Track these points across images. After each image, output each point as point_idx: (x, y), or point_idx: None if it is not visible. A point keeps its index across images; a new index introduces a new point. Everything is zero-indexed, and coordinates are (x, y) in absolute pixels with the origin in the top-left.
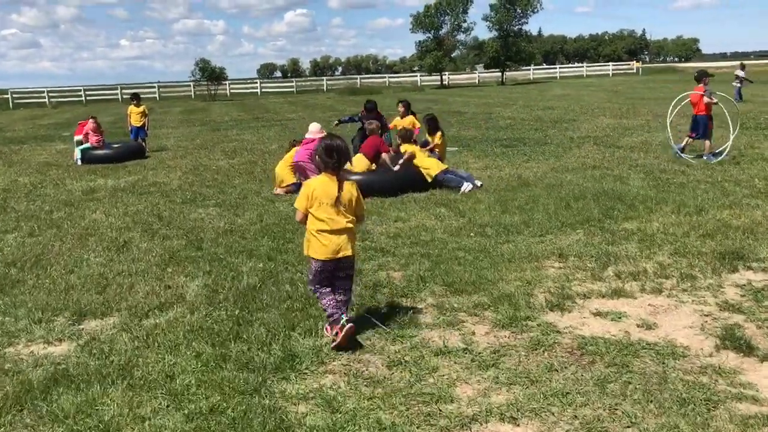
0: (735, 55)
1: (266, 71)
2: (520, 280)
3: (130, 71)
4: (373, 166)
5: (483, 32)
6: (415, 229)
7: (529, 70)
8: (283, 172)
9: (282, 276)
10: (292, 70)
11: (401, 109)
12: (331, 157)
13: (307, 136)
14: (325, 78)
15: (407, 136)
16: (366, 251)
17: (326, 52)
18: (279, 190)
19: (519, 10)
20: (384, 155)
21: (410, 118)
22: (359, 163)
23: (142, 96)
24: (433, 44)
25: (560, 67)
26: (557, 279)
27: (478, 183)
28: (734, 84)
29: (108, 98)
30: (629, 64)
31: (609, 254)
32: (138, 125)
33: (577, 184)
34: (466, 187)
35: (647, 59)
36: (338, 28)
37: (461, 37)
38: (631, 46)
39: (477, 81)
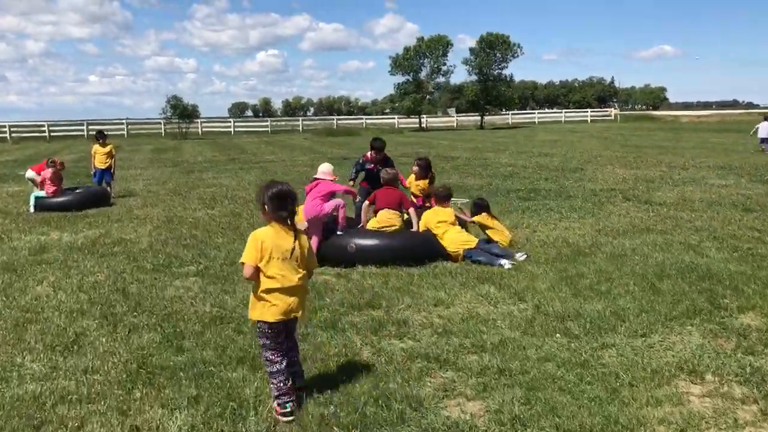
0: (700, 105)
1: (237, 110)
2: (667, 424)
3: (99, 107)
4: (397, 223)
5: (462, 76)
6: (468, 321)
7: (508, 114)
8: None
9: (310, 407)
10: (264, 110)
11: (416, 169)
12: (285, 206)
13: (318, 176)
14: (300, 118)
15: (445, 195)
16: (413, 359)
17: (298, 92)
18: None
19: (499, 55)
20: (411, 211)
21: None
22: (385, 217)
23: (109, 133)
24: (412, 86)
25: (539, 113)
26: (716, 421)
27: (521, 256)
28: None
29: (73, 134)
30: (607, 111)
31: (758, 371)
32: (103, 167)
33: (645, 255)
34: (506, 263)
35: (616, 107)
36: (310, 69)
37: (440, 80)
38: (600, 93)
39: (455, 124)
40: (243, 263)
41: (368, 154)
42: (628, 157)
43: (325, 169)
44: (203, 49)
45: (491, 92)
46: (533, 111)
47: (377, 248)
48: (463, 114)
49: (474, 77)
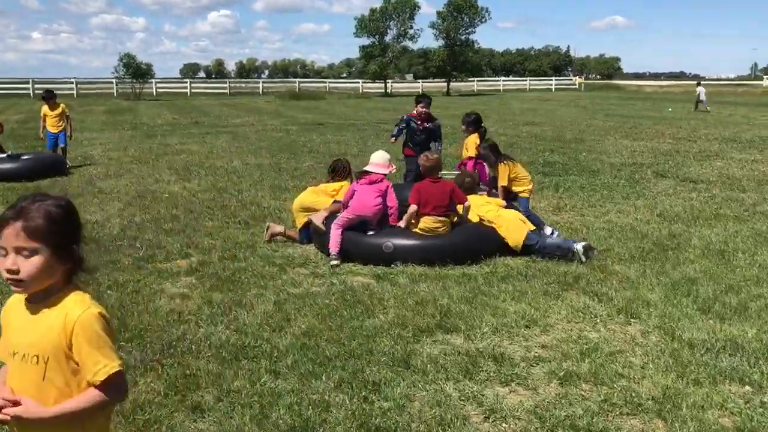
0: (650, 75)
1: (190, 71)
2: None
3: (43, 65)
4: (446, 230)
5: (428, 41)
6: (589, 356)
7: (473, 81)
8: (304, 204)
9: None
10: (217, 71)
11: (464, 128)
12: None
13: (369, 168)
14: (261, 80)
15: (470, 187)
16: (551, 427)
17: (251, 54)
18: (290, 232)
19: (467, 19)
20: (467, 206)
21: (474, 139)
22: (430, 226)
23: (57, 92)
24: (377, 50)
25: (503, 80)
26: None
27: (583, 246)
28: None
29: (18, 92)
30: (572, 79)
31: None
32: (56, 131)
33: (749, 251)
34: (583, 252)
35: (581, 75)
36: (263, 31)
37: (407, 44)
38: (556, 63)
39: (421, 90)
40: None
41: (414, 111)
42: (623, 128)
43: (380, 160)
44: (153, 7)
45: (458, 58)
46: (498, 78)
47: (420, 249)
48: (428, 80)
49: (441, 42)
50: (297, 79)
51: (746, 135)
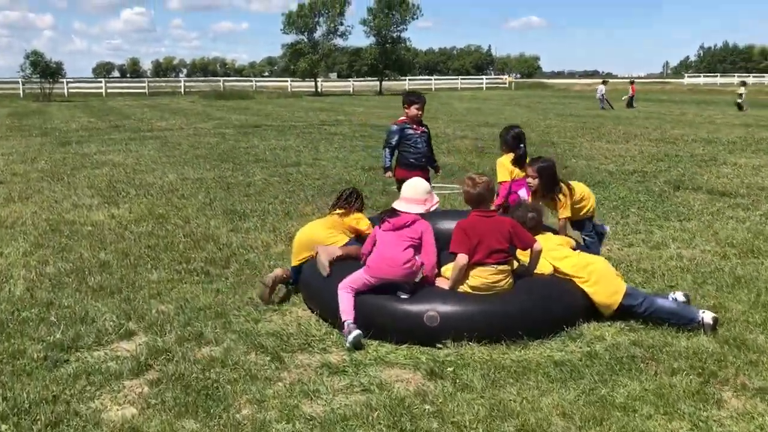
0: (567, 74)
1: (104, 71)
2: None
3: None
4: (509, 284)
5: (359, 39)
6: None
7: (405, 80)
8: (315, 239)
9: None
10: (132, 71)
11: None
12: None
13: (398, 205)
14: (182, 79)
15: (535, 225)
16: None
17: (167, 53)
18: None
19: (398, 16)
20: (536, 249)
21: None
22: (486, 281)
23: None
24: (307, 47)
25: (435, 78)
26: None
27: (708, 318)
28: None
29: None
30: (502, 78)
31: None
32: None
33: None
34: (712, 325)
35: (492, 74)
36: (179, 29)
37: (338, 41)
38: (478, 62)
39: (352, 89)
40: None
41: (404, 116)
42: (586, 128)
43: (417, 194)
44: (61, 4)
45: (390, 56)
46: (429, 77)
47: (479, 317)
48: (360, 78)
49: (372, 39)
50: (221, 78)
51: (720, 135)
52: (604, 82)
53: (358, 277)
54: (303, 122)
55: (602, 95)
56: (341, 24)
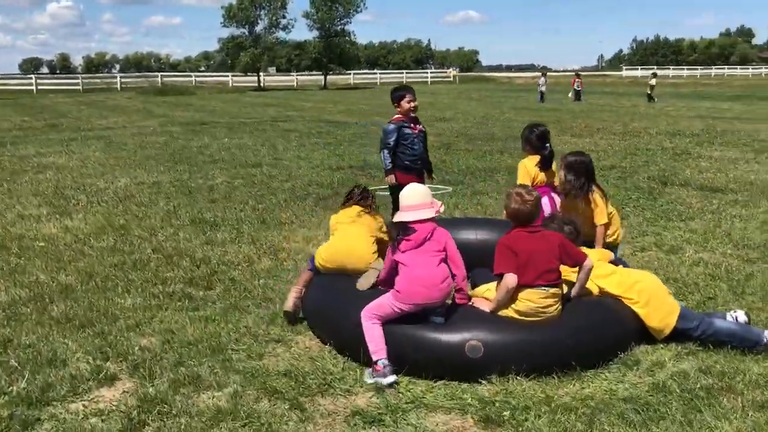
0: (506, 68)
1: (31, 66)
2: None
3: None
4: (558, 309)
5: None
6: None
7: (350, 74)
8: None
9: None
10: (62, 66)
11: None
12: None
13: (405, 216)
14: (118, 75)
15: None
16: None
17: (97, 48)
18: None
19: (341, 9)
20: (585, 267)
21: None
22: (536, 305)
23: None
24: (249, 41)
25: (380, 73)
26: None
27: (743, 317)
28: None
29: None
30: (446, 72)
31: None
32: None
33: None
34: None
35: (432, 68)
36: (109, 24)
37: (280, 34)
38: (418, 56)
39: (295, 84)
40: None
41: (399, 110)
42: (545, 122)
43: (416, 199)
44: None
45: (335, 50)
46: (374, 71)
47: (528, 347)
48: (304, 72)
49: (315, 33)
50: (159, 73)
51: (681, 128)
52: (543, 75)
53: (384, 304)
54: (253, 119)
55: (544, 88)
56: (283, 17)
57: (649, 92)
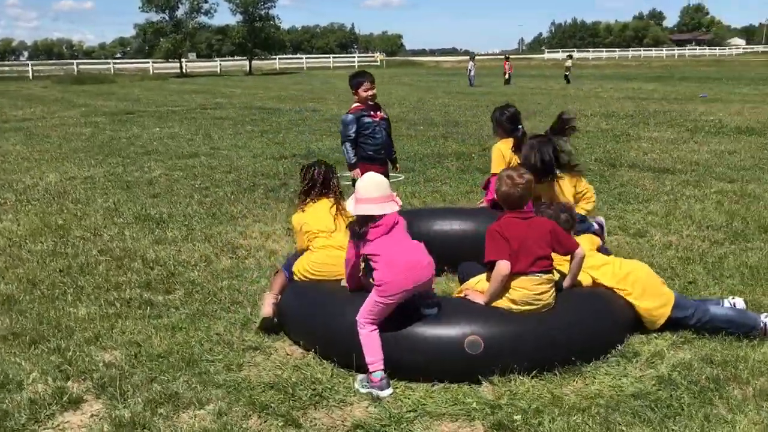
0: (430, 52)
1: None
2: None
3: None
4: (552, 298)
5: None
6: None
7: (275, 59)
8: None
9: None
10: None
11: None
12: None
13: (366, 209)
14: (30, 62)
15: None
16: None
17: (3, 34)
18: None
19: None
20: (577, 254)
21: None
22: (529, 293)
23: None
24: (169, 26)
25: (306, 57)
26: None
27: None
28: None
29: None
30: (373, 56)
31: None
32: None
33: None
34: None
35: (357, 52)
36: (15, 8)
37: (202, 19)
38: (342, 40)
39: (219, 70)
40: None
41: (357, 99)
42: (481, 106)
43: (376, 190)
44: None
45: (259, 34)
46: (300, 56)
47: (526, 339)
48: (228, 58)
49: (239, 17)
50: (74, 61)
51: (613, 109)
52: (472, 59)
53: (373, 302)
54: (181, 107)
55: (473, 72)
56: (205, 1)
57: (566, 74)
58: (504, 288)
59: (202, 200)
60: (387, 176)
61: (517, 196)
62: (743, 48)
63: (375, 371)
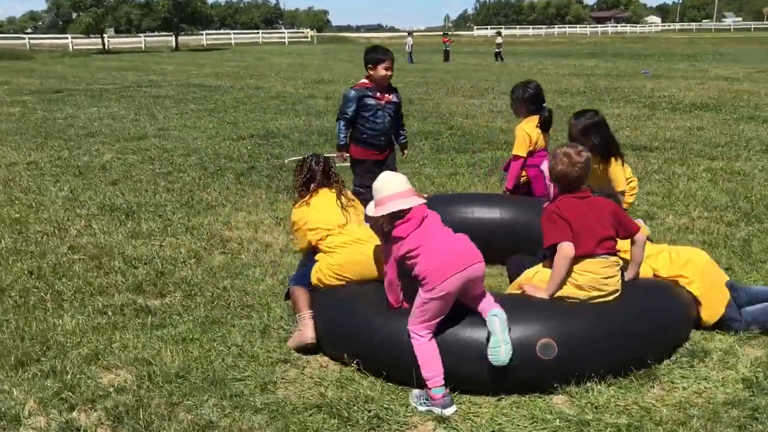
0: (357, 28)
1: None
2: None
3: None
4: (618, 284)
5: None
6: None
7: (202, 35)
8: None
9: None
10: None
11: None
12: None
13: (395, 205)
14: None
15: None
16: None
17: None
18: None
19: None
20: (639, 239)
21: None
22: (596, 278)
23: None
24: (88, 0)
25: (234, 33)
26: None
27: None
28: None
29: None
30: (303, 32)
31: None
32: None
33: None
34: None
35: (282, 28)
36: None
37: None
38: (266, 15)
39: (144, 46)
40: None
41: (367, 77)
42: (430, 83)
43: (400, 186)
44: None
45: (185, 9)
46: (228, 31)
47: (600, 338)
48: (153, 33)
49: None
50: None
51: (564, 86)
52: (410, 34)
53: (428, 308)
54: (113, 84)
55: (410, 48)
56: None
57: (497, 50)
58: (567, 274)
59: (170, 187)
60: (390, 164)
61: (575, 176)
62: (660, 26)
63: (435, 387)
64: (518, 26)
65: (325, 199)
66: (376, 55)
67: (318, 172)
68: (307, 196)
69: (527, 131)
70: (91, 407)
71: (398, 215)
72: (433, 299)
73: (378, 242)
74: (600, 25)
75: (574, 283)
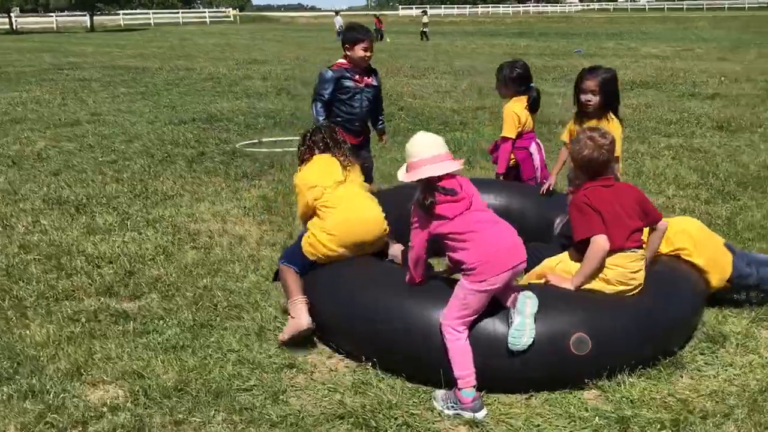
0: (278, 8)
1: None
2: None
3: None
4: (642, 277)
5: None
6: None
7: (119, 15)
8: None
9: None
10: None
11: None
12: None
13: (428, 170)
14: None
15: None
16: None
17: None
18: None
19: None
20: (660, 227)
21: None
22: (625, 271)
23: None
24: None
25: (154, 13)
26: None
27: None
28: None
29: None
30: (226, 12)
31: None
32: None
33: None
34: None
35: (201, 7)
36: None
37: None
38: None
39: (55, 26)
40: None
41: (345, 56)
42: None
43: (436, 147)
44: None
45: None
46: (147, 11)
47: (632, 331)
48: (64, 13)
49: None
50: None
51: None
52: (337, 14)
53: (464, 296)
54: (29, 67)
55: (341, 27)
56: None
57: (423, 30)
58: (599, 268)
59: (118, 177)
60: (365, 148)
61: (602, 160)
62: (579, 5)
63: (466, 387)
64: (443, 5)
65: (325, 159)
66: (352, 33)
67: (318, 141)
68: (309, 162)
69: (516, 112)
70: (83, 430)
71: (435, 186)
72: (479, 292)
73: (375, 203)
74: (521, 5)
75: (603, 278)
